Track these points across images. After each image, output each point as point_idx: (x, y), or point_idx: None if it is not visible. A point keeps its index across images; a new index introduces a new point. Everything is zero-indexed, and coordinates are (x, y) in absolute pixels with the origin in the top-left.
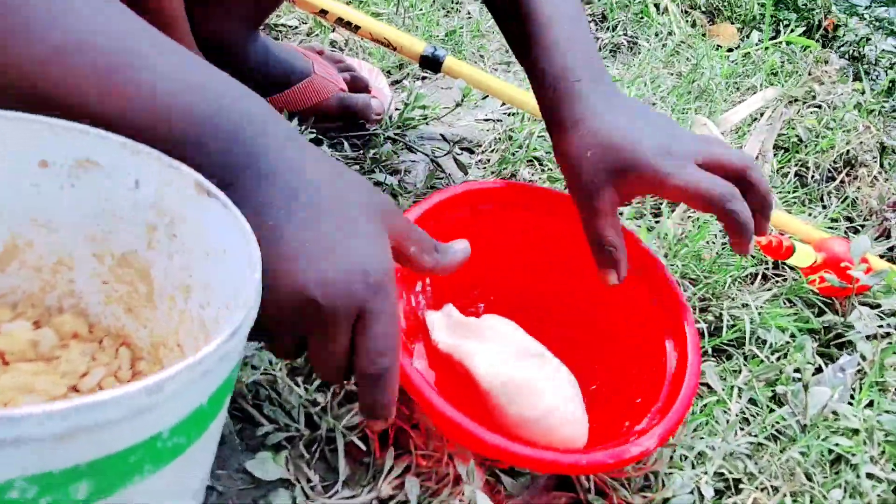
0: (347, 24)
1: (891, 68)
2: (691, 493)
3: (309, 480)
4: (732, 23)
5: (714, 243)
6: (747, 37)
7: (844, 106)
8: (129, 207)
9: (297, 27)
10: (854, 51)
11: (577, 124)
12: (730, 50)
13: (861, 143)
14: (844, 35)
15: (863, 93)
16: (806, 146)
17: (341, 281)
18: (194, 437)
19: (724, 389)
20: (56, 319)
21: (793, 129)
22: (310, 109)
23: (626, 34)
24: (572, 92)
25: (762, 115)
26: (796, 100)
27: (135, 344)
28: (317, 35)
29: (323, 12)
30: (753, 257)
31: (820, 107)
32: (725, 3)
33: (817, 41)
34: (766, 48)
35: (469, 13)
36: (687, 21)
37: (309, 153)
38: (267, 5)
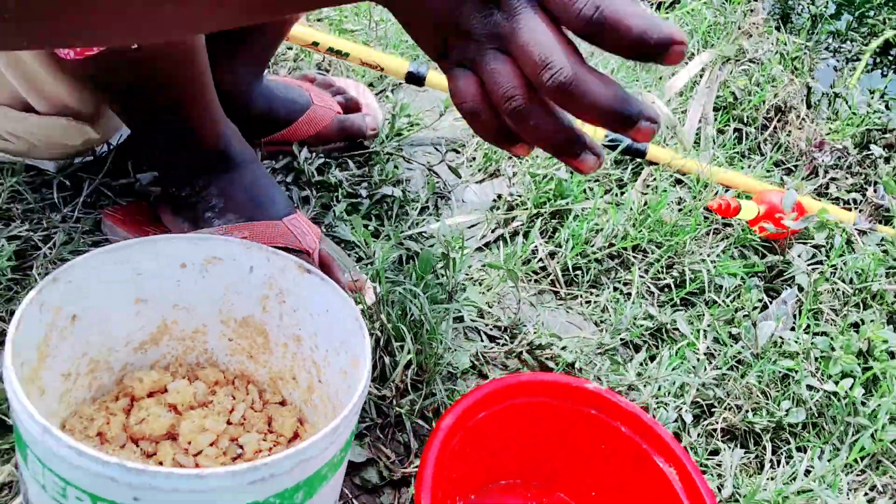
0: (338, 53)
1: (812, 2)
2: (675, 421)
3: (388, 457)
4: None
5: (672, 209)
6: None
7: (770, 62)
8: (246, 285)
9: (284, 53)
10: None
11: None
12: (670, 7)
13: (788, 92)
14: None
15: (785, 44)
16: (741, 103)
17: None
18: (338, 465)
19: (692, 333)
20: (202, 373)
21: (728, 88)
22: (313, 138)
23: None
24: None
25: (701, 76)
26: (729, 59)
27: (257, 380)
28: (303, 59)
29: (314, 44)
30: (706, 218)
31: (752, 61)
32: None
33: None
34: (696, 5)
35: None
36: None
37: None
38: (268, 52)
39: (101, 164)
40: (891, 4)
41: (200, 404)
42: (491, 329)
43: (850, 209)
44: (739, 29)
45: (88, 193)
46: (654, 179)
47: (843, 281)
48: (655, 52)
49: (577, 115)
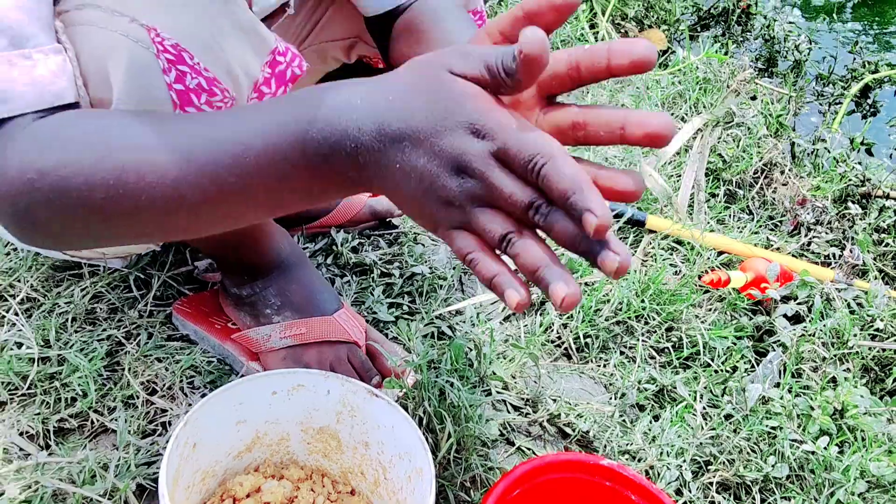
0: None
1: (797, 48)
2: (677, 479)
3: None
4: (659, 27)
5: (670, 276)
6: (676, 39)
7: (757, 126)
8: (324, 404)
9: None
10: (766, 33)
11: None
12: (663, 66)
13: (773, 154)
14: (756, 16)
15: (770, 103)
16: (730, 166)
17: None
18: None
19: (689, 394)
20: (286, 472)
21: (717, 153)
22: (348, 222)
23: None
24: None
25: (694, 138)
26: (718, 123)
27: (330, 473)
28: None
29: None
30: (700, 287)
31: (739, 125)
32: (651, 11)
33: (735, 25)
34: (688, 65)
35: None
36: (620, 32)
37: (387, 102)
38: None
39: (160, 256)
40: (869, 48)
41: (289, 500)
42: (515, 400)
43: (829, 265)
44: (728, 87)
45: (157, 287)
46: (654, 247)
47: (823, 341)
48: (573, 213)
49: (554, 239)
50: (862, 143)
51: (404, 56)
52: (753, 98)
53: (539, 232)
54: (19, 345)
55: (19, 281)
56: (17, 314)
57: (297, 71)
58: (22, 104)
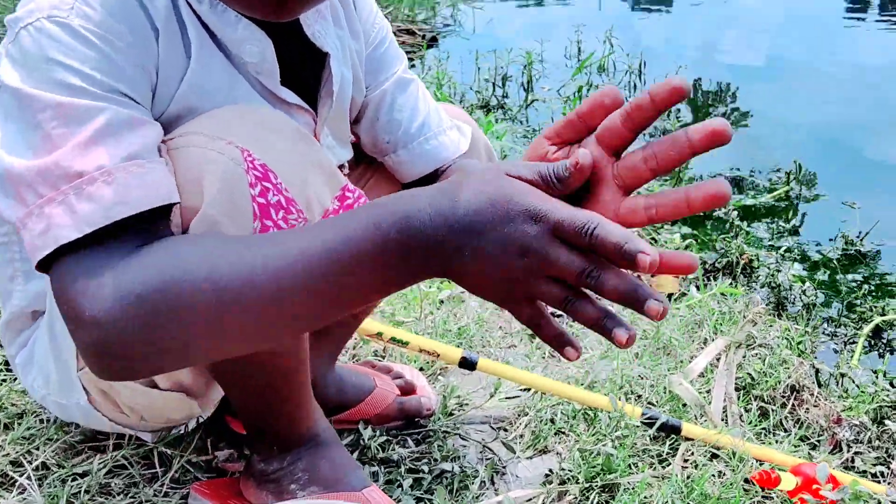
0: (399, 342)
1: (803, 293)
2: None
3: None
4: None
5: (714, 482)
6: (687, 285)
7: (779, 346)
8: None
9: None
10: (771, 280)
11: None
12: (680, 297)
13: (799, 373)
14: (759, 267)
15: (788, 330)
16: (758, 384)
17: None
18: None
19: None
20: None
21: (744, 370)
22: (376, 417)
23: None
24: None
25: (718, 359)
26: (741, 345)
27: None
28: (360, 346)
29: (378, 334)
30: (746, 490)
31: (762, 346)
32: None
33: (740, 275)
34: (703, 299)
35: (470, 308)
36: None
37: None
38: (342, 344)
39: (183, 440)
40: (874, 295)
41: None
42: None
43: (878, 481)
44: (745, 318)
45: (176, 468)
46: (692, 454)
47: None
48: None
49: (606, 295)
50: (884, 375)
51: None
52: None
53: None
54: None
55: (38, 448)
56: (29, 479)
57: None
58: (137, 204)
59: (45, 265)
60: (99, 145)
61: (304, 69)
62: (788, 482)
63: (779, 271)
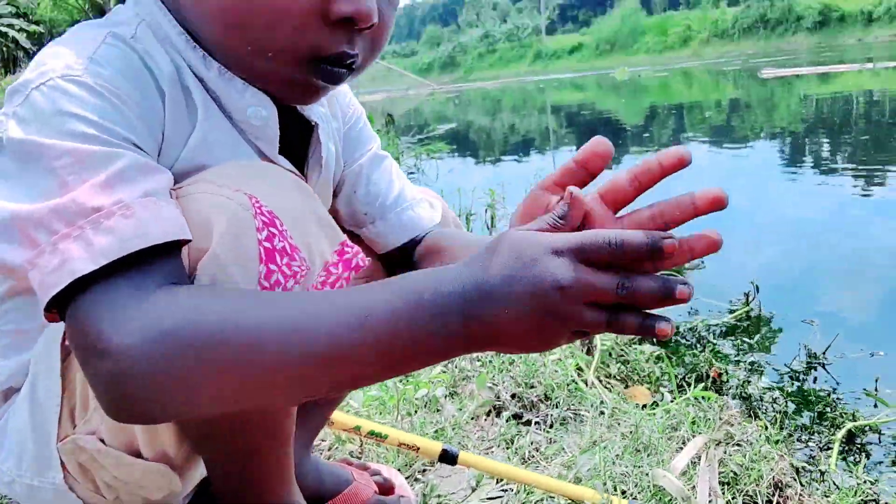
0: (377, 436)
1: (774, 402)
2: None
3: None
4: (642, 384)
5: None
6: (660, 396)
7: (757, 441)
8: None
9: (319, 444)
10: (742, 391)
11: None
12: (653, 406)
13: (780, 468)
14: (729, 380)
15: (766, 427)
16: (741, 479)
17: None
18: None
19: None
20: None
21: (726, 465)
22: None
23: (569, 408)
24: None
25: (699, 457)
26: (720, 442)
27: None
28: (337, 448)
29: (356, 428)
30: None
31: (741, 444)
32: (633, 371)
33: (711, 388)
34: (678, 403)
35: (447, 411)
36: (607, 388)
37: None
38: (318, 428)
39: None
40: (842, 403)
41: None
42: None
43: None
44: (721, 419)
45: None
46: None
47: None
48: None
49: (639, 303)
50: (864, 470)
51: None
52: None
53: None
54: None
55: None
56: None
57: (362, 263)
58: (155, 237)
59: (57, 304)
60: (116, 185)
61: (294, 139)
62: None
63: (749, 382)
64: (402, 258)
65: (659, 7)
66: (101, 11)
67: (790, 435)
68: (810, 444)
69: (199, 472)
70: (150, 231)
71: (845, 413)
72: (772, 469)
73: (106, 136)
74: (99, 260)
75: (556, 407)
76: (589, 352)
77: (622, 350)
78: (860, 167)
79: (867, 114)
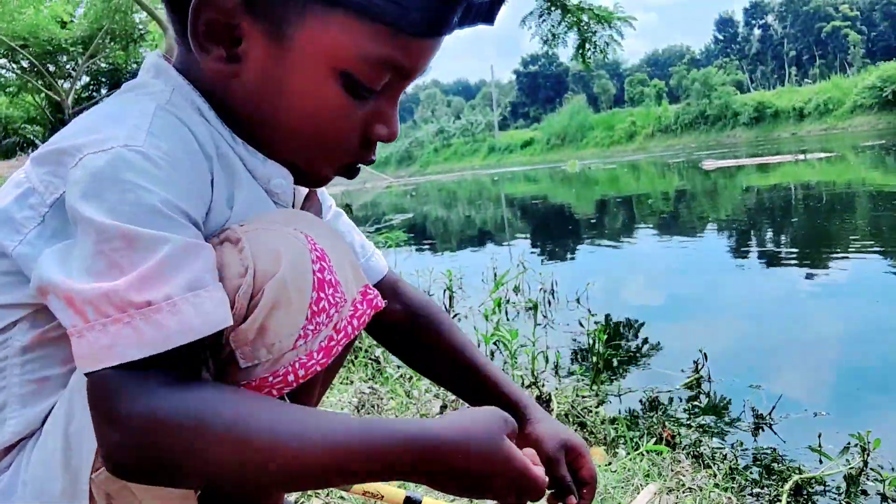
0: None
1: (724, 458)
2: None
3: None
4: (599, 446)
5: None
6: (615, 454)
7: (708, 486)
8: None
9: (286, 498)
10: (693, 450)
11: (537, 423)
12: (608, 465)
13: None
14: (682, 441)
15: (715, 475)
16: None
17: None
18: None
19: None
20: None
21: None
22: None
23: None
24: (528, 407)
25: (655, 502)
26: (672, 490)
27: None
28: (303, 502)
29: None
30: None
31: (692, 489)
32: (589, 433)
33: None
34: (633, 459)
35: None
36: None
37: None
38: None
39: None
40: (789, 458)
41: None
42: None
43: None
44: (673, 471)
45: None
46: None
47: None
48: None
49: None
50: None
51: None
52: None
53: None
54: None
55: None
56: None
57: (380, 304)
58: (196, 333)
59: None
60: (164, 275)
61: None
62: None
63: (700, 441)
64: None
65: (605, 104)
66: (59, 109)
67: (741, 489)
68: (760, 496)
69: None
70: (194, 327)
71: (792, 467)
72: None
73: (162, 208)
74: (146, 350)
75: None
76: None
77: (578, 413)
78: (801, 253)
79: (806, 200)
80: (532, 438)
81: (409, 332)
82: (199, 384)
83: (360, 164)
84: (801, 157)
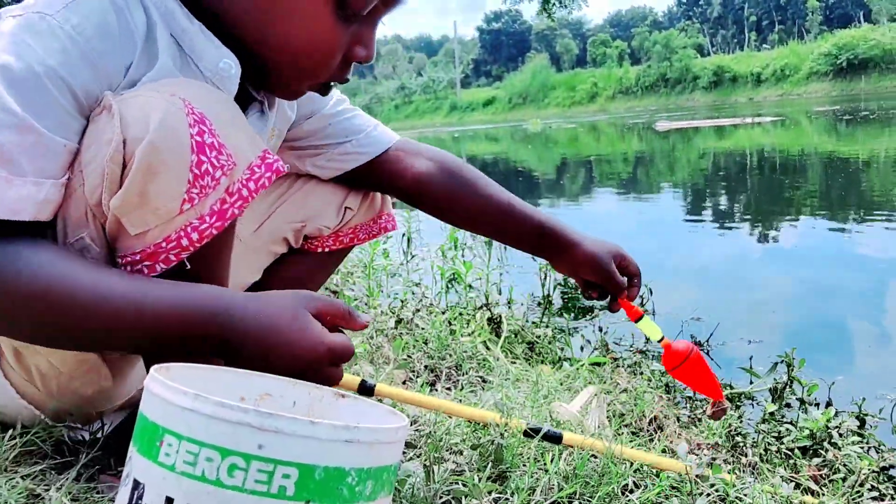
0: None
1: (663, 375)
2: None
3: None
4: (545, 364)
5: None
6: (560, 367)
7: (641, 387)
8: (293, 412)
9: None
10: (633, 370)
11: (583, 242)
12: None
13: (660, 408)
14: (624, 363)
15: (649, 380)
16: (626, 416)
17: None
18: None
19: None
20: None
21: (614, 406)
22: None
23: (478, 375)
24: (562, 232)
25: (591, 402)
26: (609, 391)
27: None
28: None
29: None
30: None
31: (627, 390)
32: (537, 353)
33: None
34: (577, 369)
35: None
36: (514, 364)
37: (259, 318)
38: None
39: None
40: (721, 378)
41: None
42: None
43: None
44: (612, 378)
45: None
46: (574, 458)
47: None
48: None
49: None
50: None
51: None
52: None
53: None
54: None
55: None
56: None
57: (282, 168)
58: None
59: None
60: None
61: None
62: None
63: (640, 363)
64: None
65: (567, 64)
66: None
67: (673, 396)
68: (691, 399)
69: (136, 376)
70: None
71: (724, 384)
72: (653, 410)
73: (40, 73)
74: None
75: (466, 374)
76: (497, 333)
77: (526, 332)
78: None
79: (751, 161)
80: (584, 257)
81: (443, 183)
82: (23, 245)
83: (333, 83)
84: (749, 119)
